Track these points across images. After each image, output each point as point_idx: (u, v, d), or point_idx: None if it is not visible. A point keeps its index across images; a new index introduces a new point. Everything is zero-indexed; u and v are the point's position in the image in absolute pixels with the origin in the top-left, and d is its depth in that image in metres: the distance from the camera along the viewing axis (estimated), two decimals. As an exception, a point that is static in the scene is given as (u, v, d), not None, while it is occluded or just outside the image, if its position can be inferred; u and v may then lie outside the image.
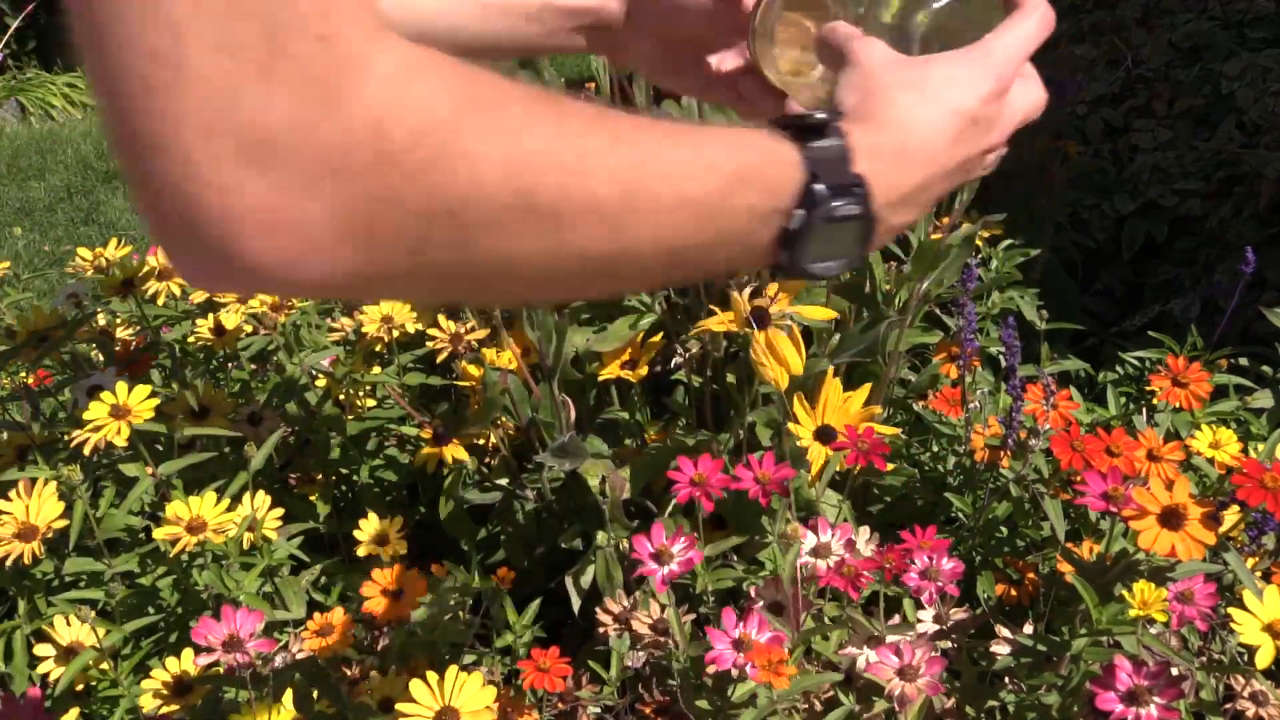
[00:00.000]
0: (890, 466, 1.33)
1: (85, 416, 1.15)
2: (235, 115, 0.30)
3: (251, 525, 1.13)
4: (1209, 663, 1.00)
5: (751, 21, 0.56)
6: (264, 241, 0.32)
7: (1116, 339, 1.82)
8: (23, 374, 1.53)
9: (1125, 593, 0.90)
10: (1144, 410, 1.41)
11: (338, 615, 1.10)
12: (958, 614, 1.02)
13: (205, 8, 0.29)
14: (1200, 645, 1.05)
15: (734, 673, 0.90)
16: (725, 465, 1.05)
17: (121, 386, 1.17)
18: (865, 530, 1.05)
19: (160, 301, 1.54)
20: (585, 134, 0.37)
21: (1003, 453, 1.21)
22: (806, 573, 1.01)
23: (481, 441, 1.42)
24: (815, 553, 1.01)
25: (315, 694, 1.00)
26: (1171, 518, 0.88)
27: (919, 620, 1.03)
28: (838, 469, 1.10)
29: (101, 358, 1.48)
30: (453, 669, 0.93)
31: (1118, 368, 1.57)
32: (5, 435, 1.32)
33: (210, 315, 1.50)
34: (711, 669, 0.91)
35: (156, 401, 1.17)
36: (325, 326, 1.56)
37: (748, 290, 1.12)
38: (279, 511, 1.16)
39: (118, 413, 1.14)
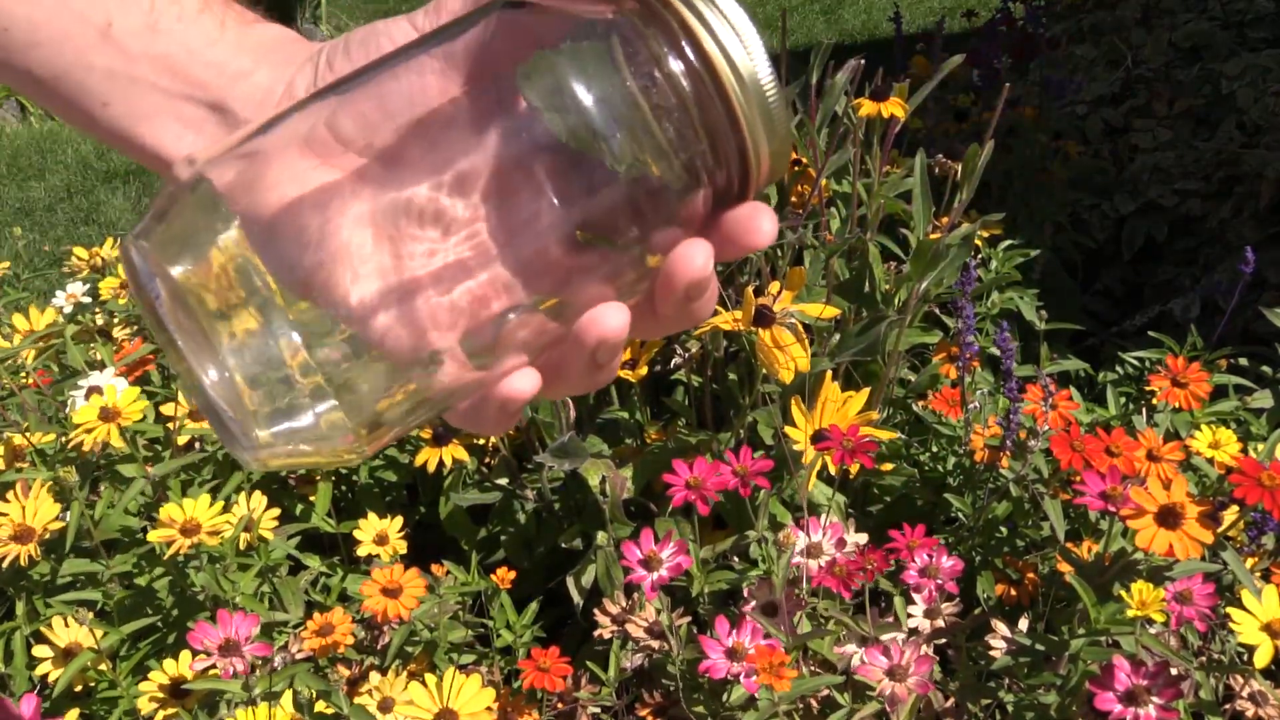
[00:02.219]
0: (890, 467, 1.33)
1: (76, 419, 1.15)
2: None
3: (248, 526, 1.13)
4: (1208, 662, 1.00)
5: None
6: None
7: (1116, 339, 1.81)
8: (23, 374, 1.53)
9: (1123, 592, 0.90)
10: (1144, 410, 1.41)
11: (337, 615, 1.10)
12: (949, 608, 1.02)
13: None
14: (1199, 645, 1.05)
15: (729, 678, 0.90)
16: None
17: (110, 389, 1.17)
18: (852, 526, 1.05)
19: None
20: None
21: (1002, 453, 1.21)
22: (797, 573, 1.01)
23: (481, 441, 1.42)
24: (807, 552, 1.01)
25: (314, 695, 1.00)
26: (1169, 517, 0.88)
27: (909, 615, 1.03)
28: (833, 471, 1.10)
29: (100, 358, 1.48)
30: (450, 670, 0.93)
31: (1118, 368, 1.57)
32: (4, 435, 1.32)
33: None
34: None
35: (145, 404, 1.17)
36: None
37: (750, 288, 1.13)
38: (275, 511, 1.16)
39: (107, 415, 1.14)
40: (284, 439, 0.29)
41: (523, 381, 0.31)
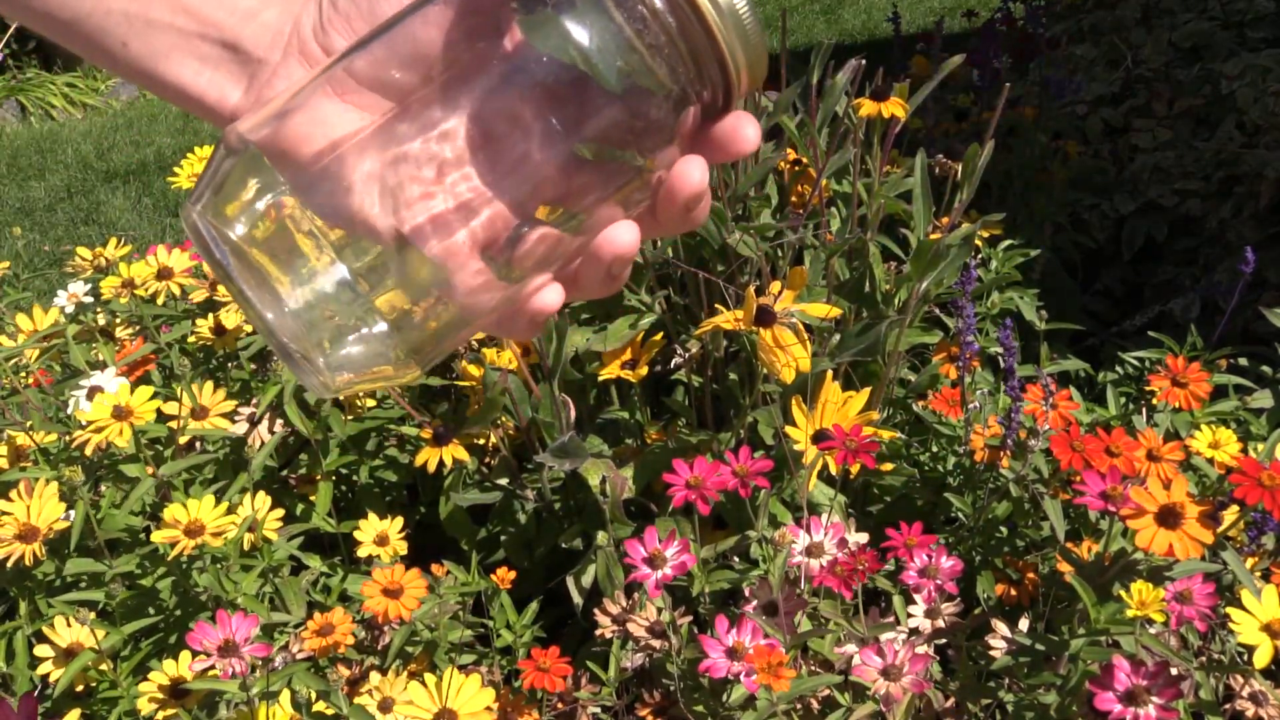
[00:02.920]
0: (890, 466, 1.33)
1: (87, 418, 1.15)
2: None
3: (252, 526, 1.13)
4: (1208, 662, 1.00)
5: None
6: None
7: (1116, 339, 1.81)
8: (23, 374, 1.53)
9: (1123, 593, 0.90)
10: (1144, 410, 1.41)
11: (338, 615, 1.10)
12: (949, 608, 1.02)
13: None
14: (1199, 645, 1.05)
15: (730, 677, 0.90)
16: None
17: (124, 388, 1.17)
18: (852, 525, 1.05)
19: (160, 301, 1.54)
20: None
21: (1002, 453, 1.21)
22: (797, 573, 1.01)
23: (481, 441, 1.42)
24: (808, 552, 1.01)
25: (313, 695, 1.00)
26: (1169, 517, 0.88)
27: (910, 615, 1.03)
28: (835, 471, 1.11)
29: (101, 358, 1.48)
30: (450, 670, 0.93)
31: (1118, 368, 1.57)
32: (6, 435, 1.32)
33: (210, 315, 1.50)
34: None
35: (159, 403, 1.17)
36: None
37: (751, 288, 1.13)
38: (279, 512, 1.16)
39: (120, 414, 1.15)
40: (345, 366, 0.33)
41: (551, 295, 0.35)
